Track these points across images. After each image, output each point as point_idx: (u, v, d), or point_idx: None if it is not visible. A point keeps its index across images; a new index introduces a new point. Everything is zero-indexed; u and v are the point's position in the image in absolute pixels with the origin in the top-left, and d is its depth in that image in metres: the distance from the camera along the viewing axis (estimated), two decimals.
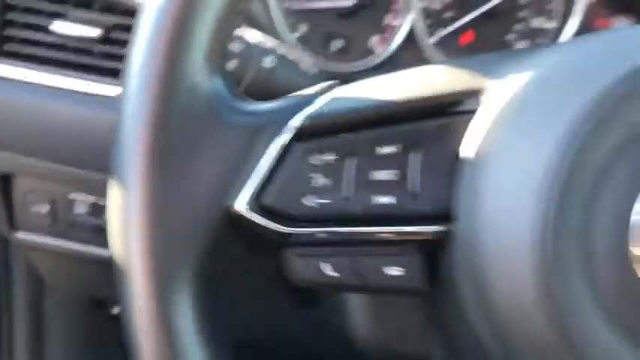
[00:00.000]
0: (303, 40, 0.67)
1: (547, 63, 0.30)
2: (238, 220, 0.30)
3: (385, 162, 0.31)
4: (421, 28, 0.66)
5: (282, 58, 0.43)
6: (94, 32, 0.51)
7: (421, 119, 0.31)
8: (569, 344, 0.27)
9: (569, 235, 0.27)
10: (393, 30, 0.67)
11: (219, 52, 0.31)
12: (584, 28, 0.68)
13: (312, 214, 0.31)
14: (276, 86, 0.41)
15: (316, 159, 0.31)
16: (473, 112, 0.31)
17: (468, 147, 0.30)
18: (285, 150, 0.31)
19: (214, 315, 0.32)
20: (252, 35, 0.43)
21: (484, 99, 0.31)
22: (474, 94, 0.31)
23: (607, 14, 0.68)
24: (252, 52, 0.41)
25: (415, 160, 0.31)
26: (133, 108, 0.29)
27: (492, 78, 0.31)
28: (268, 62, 0.42)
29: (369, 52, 0.67)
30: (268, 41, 0.43)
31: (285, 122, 0.31)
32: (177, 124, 0.29)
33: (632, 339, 0.28)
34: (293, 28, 0.67)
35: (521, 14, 0.68)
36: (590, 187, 0.27)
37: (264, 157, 0.30)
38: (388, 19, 0.68)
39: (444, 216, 0.30)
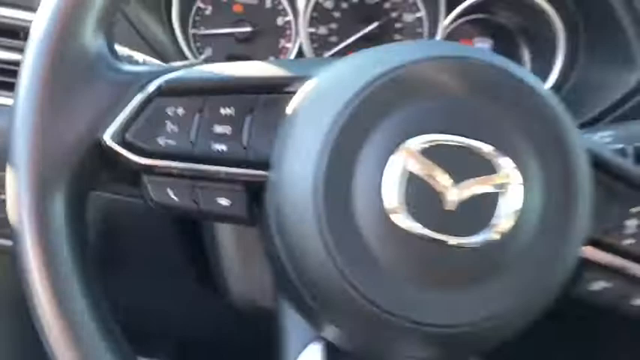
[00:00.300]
0: (209, 61, 0.78)
1: (334, 67, 0.41)
2: (107, 150, 0.40)
3: (224, 119, 0.41)
4: (309, 51, 0.77)
5: None
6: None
7: (257, 93, 0.42)
8: (341, 275, 0.37)
9: (336, 176, 0.37)
10: (287, 51, 0.79)
11: (108, 20, 0.41)
12: None
13: (163, 151, 0.41)
14: None
15: (171, 110, 0.41)
16: (294, 92, 0.41)
17: (285, 117, 0.41)
18: (147, 100, 0.41)
19: (82, 224, 0.41)
20: (137, 55, 0.54)
21: (303, 85, 0.41)
22: (297, 80, 0.42)
23: (469, 36, 0.81)
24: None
25: (248, 121, 0.41)
26: (33, 56, 0.39)
27: (311, 72, 0.42)
28: None
29: None
30: (152, 60, 0.54)
31: (150, 81, 0.41)
32: (63, 73, 0.39)
33: (391, 274, 0.37)
34: (199, 51, 0.78)
35: (397, 37, 0.80)
36: (350, 154, 0.37)
37: (130, 104, 0.40)
38: (282, 43, 0.79)
39: (264, 164, 0.41)
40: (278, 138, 0.40)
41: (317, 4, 0.78)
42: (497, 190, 0.37)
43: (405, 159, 0.36)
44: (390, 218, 0.36)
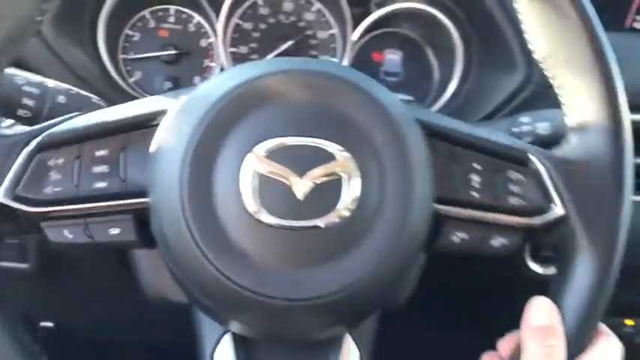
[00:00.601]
0: (138, 83, 0.84)
1: (194, 91, 0.48)
2: (2, 206, 0.46)
3: (101, 160, 0.47)
4: None
5: (74, 95, 0.60)
6: None
7: (126, 131, 0.48)
8: (217, 270, 0.42)
9: (197, 188, 0.43)
10: (211, 70, 0.85)
11: None
12: (364, 62, 0.87)
13: (51, 198, 0.46)
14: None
15: (52, 162, 0.46)
16: (158, 124, 0.47)
17: (153, 146, 0.47)
18: (30, 157, 0.46)
19: None
20: (48, 81, 0.59)
21: (165, 116, 0.48)
22: (160, 113, 0.48)
23: (380, 49, 0.88)
24: (48, 92, 0.58)
25: (122, 157, 0.47)
26: None
27: (172, 101, 0.48)
28: (61, 99, 0.59)
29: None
30: (62, 85, 0.60)
31: (30, 140, 0.46)
32: None
33: (260, 262, 0.42)
34: (129, 74, 0.84)
35: (313, 53, 0.87)
36: (208, 163, 0.43)
37: (16, 163, 0.46)
38: (206, 62, 0.86)
39: (143, 192, 0.46)
40: (149, 165, 0.46)
41: (237, 25, 0.85)
42: (337, 177, 0.43)
43: (255, 162, 0.43)
44: (250, 214, 0.43)
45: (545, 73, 0.51)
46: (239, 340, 0.53)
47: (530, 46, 0.50)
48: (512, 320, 0.51)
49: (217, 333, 0.54)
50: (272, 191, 0.43)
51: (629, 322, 0.86)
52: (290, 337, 0.51)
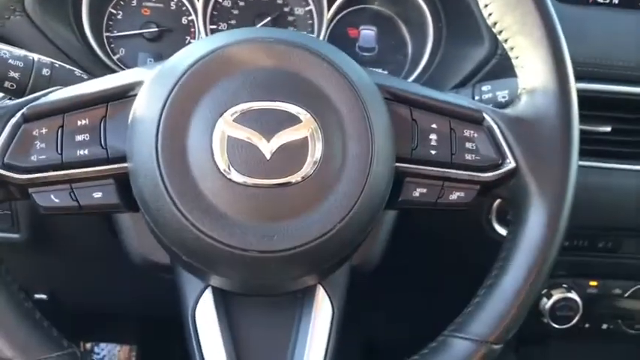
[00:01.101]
0: (122, 60, 0.87)
1: (167, 61, 0.51)
2: None
3: (82, 129, 0.50)
4: None
5: (59, 68, 0.63)
6: None
7: (106, 102, 0.51)
8: (194, 227, 0.46)
9: (173, 152, 0.46)
10: None
11: None
12: (340, 37, 0.90)
13: (37, 165, 0.50)
14: (56, 86, 0.60)
15: (37, 132, 0.50)
16: (136, 94, 0.50)
17: (131, 115, 0.50)
18: (16, 128, 0.49)
19: None
20: (33, 55, 0.63)
21: (142, 87, 0.51)
22: (138, 84, 0.51)
23: (355, 25, 0.91)
24: (32, 65, 0.61)
25: (102, 126, 0.50)
26: None
27: (148, 73, 0.51)
28: (44, 72, 0.62)
29: None
30: (46, 58, 0.63)
31: (15, 112, 0.50)
32: None
33: (234, 218, 0.46)
34: (114, 51, 0.87)
35: (291, 29, 0.90)
36: (181, 128, 0.47)
37: (3, 134, 0.49)
38: (188, 39, 0.89)
39: (123, 158, 0.50)
40: (128, 133, 0.50)
41: (216, 3, 0.88)
42: (302, 138, 0.47)
43: (225, 126, 0.47)
44: (222, 174, 0.47)
45: (503, 44, 0.55)
46: (218, 295, 0.57)
47: (488, 20, 0.54)
48: (479, 280, 0.55)
49: (198, 289, 0.58)
50: (242, 152, 0.47)
51: (592, 283, 0.91)
52: (264, 287, 0.55)
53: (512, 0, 0.52)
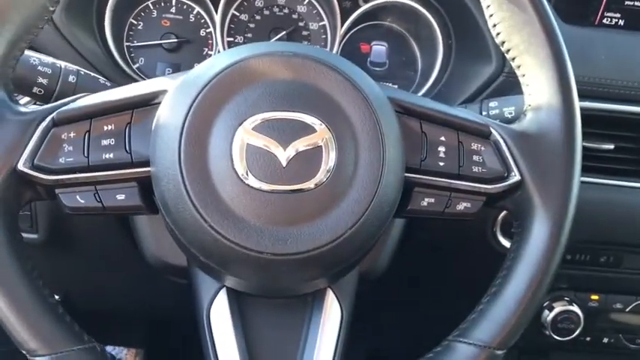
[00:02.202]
0: (141, 69, 0.91)
1: (191, 71, 0.54)
2: (22, 175, 0.51)
3: (108, 134, 0.53)
4: None
5: (84, 76, 0.66)
6: None
7: (131, 109, 0.54)
8: (213, 229, 0.48)
9: (194, 158, 0.49)
10: None
11: (5, 73, 0.52)
12: (353, 52, 0.93)
13: (65, 167, 0.52)
14: (80, 93, 0.63)
15: (65, 135, 0.52)
16: (159, 102, 0.53)
17: (155, 121, 0.53)
18: (46, 131, 0.52)
19: (17, 236, 0.51)
20: (60, 62, 0.66)
21: (166, 95, 0.53)
22: (161, 93, 0.54)
23: (368, 40, 0.94)
24: (60, 72, 0.65)
25: (127, 131, 0.53)
26: None
27: (172, 82, 0.54)
28: (71, 79, 0.65)
29: None
30: (72, 66, 0.66)
31: (46, 116, 0.52)
32: None
33: (252, 222, 0.48)
34: (133, 61, 0.90)
35: (305, 43, 0.93)
36: (203, 135, 0.49)
37: (34, 136, 0.52)
38: (206, 51, 0.92)
39: (146, 163, 0.52)
40: (152, 139, 0.52)
41: (233, 16, 0.91)
42: (316, 147, 0.50)
43: (245, 135, 0.49)
44: (240, 180, 0.49)
45: (510, 62, 0.58)
46: (233, 296, 0.60)
47: (496, 39, 0.57)
48: (483, 291, 0.57)
49: (213, 290, 0.61)
50: (259, 159, 0.49)
51: (594, 297, 0.92)
52: (277, 289, 0.58)
53: (519, 21, 0.55)
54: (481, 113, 0.70)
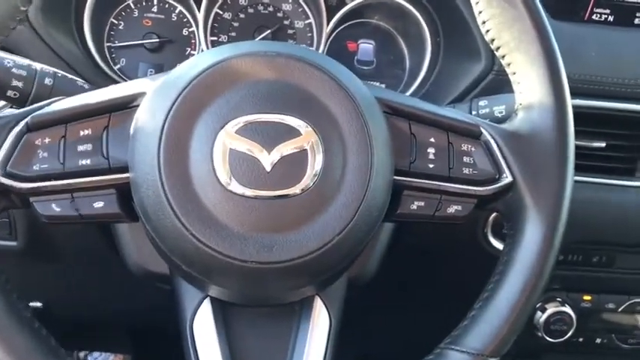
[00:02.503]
0: (123, 70, 0.88)
1: (171, 72, 0.51)
2: None
3: (85, 139, 0.50)
4: None
5: (61, 78, 0.64)
6: None
7: (108, 112, 0.51)
8: (195, 238, 0.46)
9: (174, 163, 0.47)
10: None
11: None
12: (339, 51, 0.91)
13: (40, 174, 0.50)
14: (57, 96, 0.60)
15: (39, 141, 0.50)
16: (137, 105, 0.51)
17: (133, 125, 0.50)
18: (19, 137, 0.50)
19: None
20: (36, 64, 0.63)
21: (144, 97, 0.51)
22: (139, 95, 0.51)
23: (354, 39, 0.92)
24: (35, 74, 0.62)
25: (105, 136, 0.51)
26: None
27: (151, 84, 0.52)
28: (47, 81, 0.63)
29: None
30: (49, 68, 0.64)
31: (18, 121, 0.50)
32: None
33: (234, 229, 0.46)
34: (114, 61, 0.88)
35: (290, 42, 0.91)
36: (183, 139, 0.47)
37: (5, 143, 0.49)
38: (189, 51, 0.90)
39: (125, 168, 0.50)
40: (130, 143, 0.50)
41: (217, 15, 0.89)
42: (302, 150, 0.48)
43: (227, 138, 0.47)
44: (222, 186, 0.47)
45: (500, 60, 0.56)
46: (217, 305, 0.58)
47: (486, 37, 0.55)
48: (475, 295, 0.56)
49: (197, 299, 0.58)
50: (242, 164, 0.47)
51: (586, 297, 0.91)
52: (263, 298, 0.56)
53: (509, 17, 0.53)
54: (471, 113, 0.68)
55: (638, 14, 0.89)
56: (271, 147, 0.47)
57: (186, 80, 0.49)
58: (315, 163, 0.48)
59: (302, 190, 0.47)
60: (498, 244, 0.83)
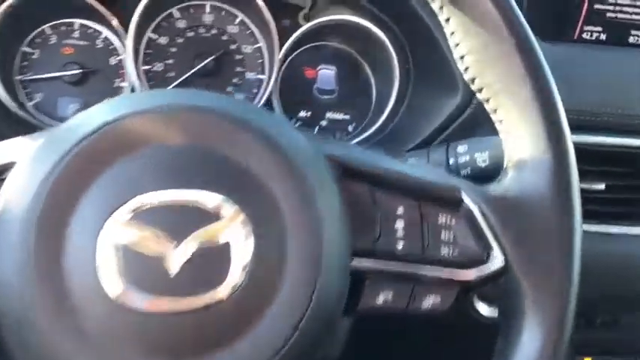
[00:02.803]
0: (40, 107, 0.75)
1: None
2: None
3: None
4: (143, 89, 0.75)
5: None
6: None
7: None
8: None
9: (45, 266, 0.34)
10: (123, 90, 0.76)
11: None
12: (296, 78, 0.79)
13: None
14: None
15: None
16: (3, 179, 0.38)
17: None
18: None
19: None
20: None
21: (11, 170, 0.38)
22: (8, 167, 0.38)
23: (313, 64, 0.80)
24: None
25: None
26: None
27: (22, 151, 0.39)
28: None
29: None
30: None
31: None
32: None
33: (119, 354, 0.34)
34: (29, 97, 0.75)
35: (238, 69, 0.78)
36: (57, 231, 0.34)
37: None
38: (117, 82, 0.76)
39: None
40: None
41: (150, 40, 0.76)
42: (223, 239, 0.35)
43: (116, 229, 0.34)
44: (111, 300, 0.34)
45: (484, 104, 0.44)
46: None
47: (465, 76, 0.44)
48: None
49: None
50: (139, 267, 0.34)
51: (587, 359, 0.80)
52: None
53: (493, 52, 0.41)
54: (448, 161, 0.56)
55: (632, 32, 0.79)
56: (180, 238, 0.35)
57: (63, 149, 0.36)
58: (243, 258, 0.35)
59: (223, 297, 0.35)
60: (487, 310, 0.71)
